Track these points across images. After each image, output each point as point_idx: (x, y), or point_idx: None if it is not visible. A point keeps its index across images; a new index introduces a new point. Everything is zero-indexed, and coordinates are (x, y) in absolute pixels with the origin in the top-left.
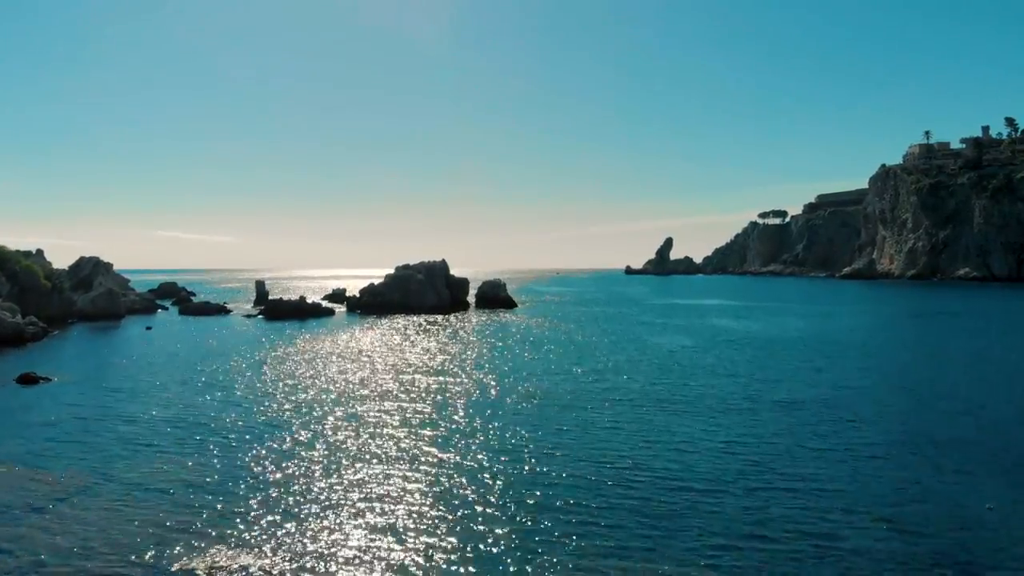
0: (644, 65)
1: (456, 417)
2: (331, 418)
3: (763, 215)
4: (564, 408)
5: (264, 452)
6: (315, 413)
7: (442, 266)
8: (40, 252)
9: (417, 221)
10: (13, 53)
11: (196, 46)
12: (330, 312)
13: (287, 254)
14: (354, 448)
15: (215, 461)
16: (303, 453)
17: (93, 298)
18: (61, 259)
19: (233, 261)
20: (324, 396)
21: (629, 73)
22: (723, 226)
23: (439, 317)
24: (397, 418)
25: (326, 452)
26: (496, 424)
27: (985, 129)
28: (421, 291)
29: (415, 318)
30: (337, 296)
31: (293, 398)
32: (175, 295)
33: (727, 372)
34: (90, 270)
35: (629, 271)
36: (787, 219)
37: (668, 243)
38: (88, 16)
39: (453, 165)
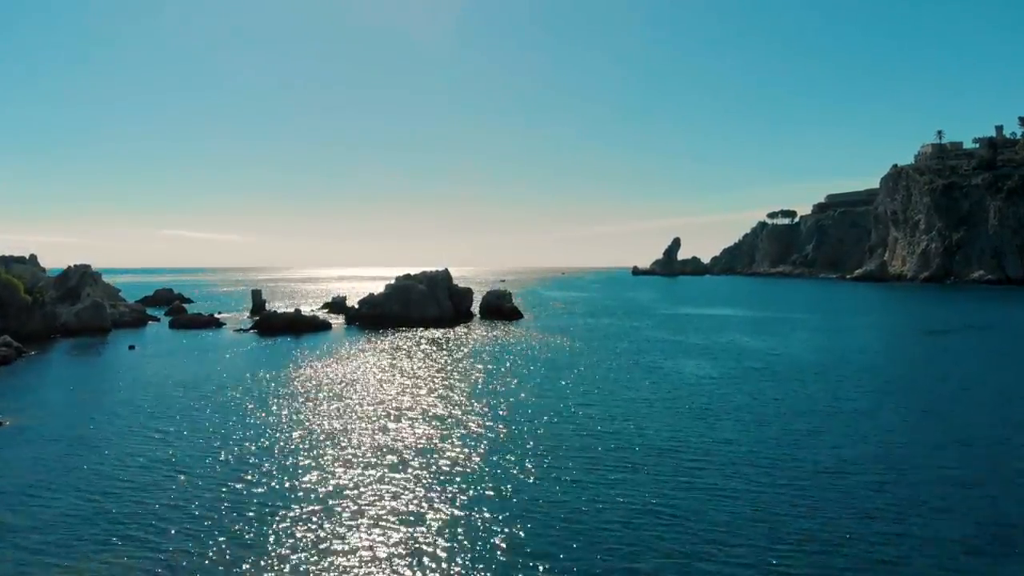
0: (650, 63)
1: (431, 499)
2: (302, 498)
3: (772, 215)
4: (562, 486)
5: (215, 552)
6: (287, 486)
7: (444, 276)
8: (33, 257)
9: (422, 221)
10: (18, 53)
11: (201, 46)
12: (327, 326)
13: (293, 253)
14: (317, 545)
15: (157, 564)
16: (266, 554)
17: (77, 312)
18: (66, 259)
19: (240, 260)
20: (300, 459)
21: (635, 71)
22: (730, 225)
23: (440, 332)
24: (367, 501)
25: (292, 554)
26: (474, 515)
27: (999, 129)
28: (422, 302)
29: (415, 333)
30: (337, 305)
31: (268, 461)
32: (170, 302)
33: (757, 418)
34: (77, 280)
35: (636, 272)
36: (796, 219)
37: (676, 243)
38: (95, 18)
39: (459, 164)
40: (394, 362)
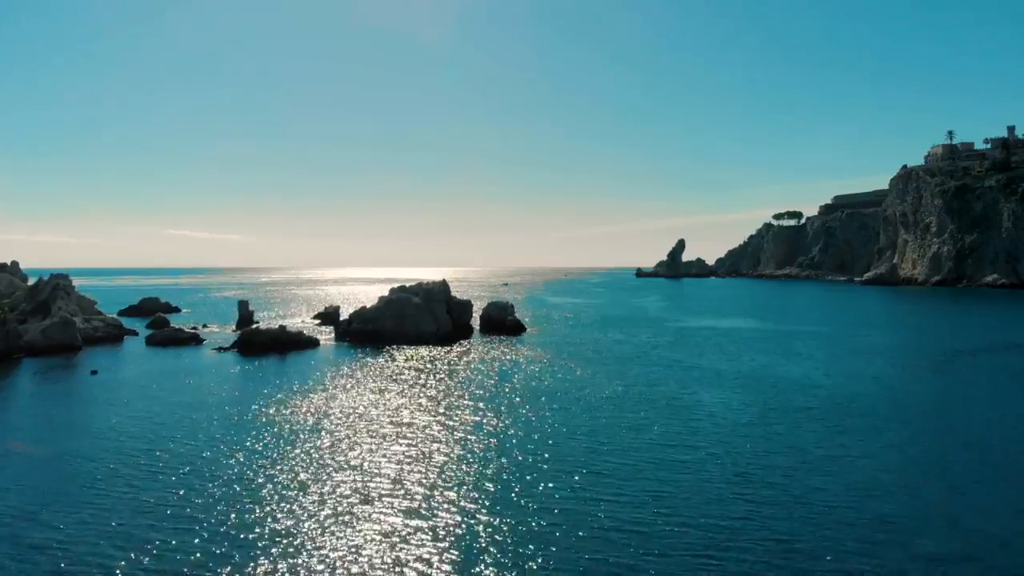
0: (653, 62)
1: None
2: None
3: (778, 216)
4: None
5: None
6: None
7: (442, 288)
8: (15, 264)
9: (423, 220)
10: (20, 53)
11: (206, 47)
12: (314, 343)
13: (297, 252)
14: None
15: None
16: None
17: (44, 329)
18: (68, 259)
19: (245, 260)
20: (258, 538)
21: (637, 70)
22: (733, 225)
23: (436, 352)
24: None
25: None
26: None
27: (1011, 129)
28: (418, 317)
29: (409, 354)
30: (329, 316)
31: (217, 551)
32: (155, 312)
33: (813, 493)
34: (48, 293)
35: (640, 274)
36: (802, 220)
37: (680, 245)
38: (99, 17)
39: (462, 164)
40: (377, 398)
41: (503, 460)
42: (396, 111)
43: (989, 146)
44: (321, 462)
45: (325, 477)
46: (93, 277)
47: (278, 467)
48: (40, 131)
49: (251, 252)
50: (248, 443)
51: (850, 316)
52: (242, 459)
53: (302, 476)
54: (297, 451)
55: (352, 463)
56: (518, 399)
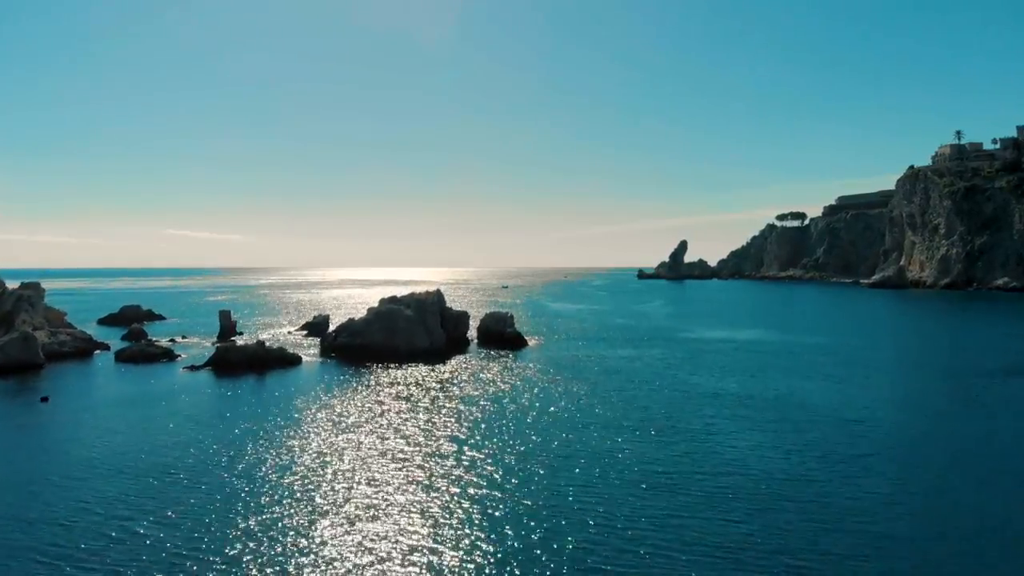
0: (654, 61)
1: None
2: None
3: (781, 217)
4: None
5: None
6: None
7: (435, 299)
8: None
9: (423, 220)
10: (21, 53)
11: (206, 47)
12: (296, 361)
13: (298, 252)
14: None
15: None
16: None
17: (2, 345)
18: (70, 259)
19: (246, 260)
20: None
21: (639, 69)
22: (737, 225)
23: (428, 371)
24: None
25: None
26: None
27: (1020, 129)
28: (410, 330)
29: (399, 373)
30: (316, 327)
31: None
32: (135, 321)
33: None
34: (12, 305)
35: (642, 275)
36: (806, 221)
37: (682, 246)
38: (100, 17)
39: (462, 164)
40: (356, 436)
41: (485, 537)
42: (396, 111)
43: (998, 146)
44: (286, 521)
45: (291, 540)
46: (93, 278)
47: (230, 540)
48: (40, 131)
49: (252, 252)
50: (195, 511)
51: (869, 325)
52: (184, 536)
53: (262, 535)
54: (262, 509)
55: (323, 525)
56: (516, 440)
